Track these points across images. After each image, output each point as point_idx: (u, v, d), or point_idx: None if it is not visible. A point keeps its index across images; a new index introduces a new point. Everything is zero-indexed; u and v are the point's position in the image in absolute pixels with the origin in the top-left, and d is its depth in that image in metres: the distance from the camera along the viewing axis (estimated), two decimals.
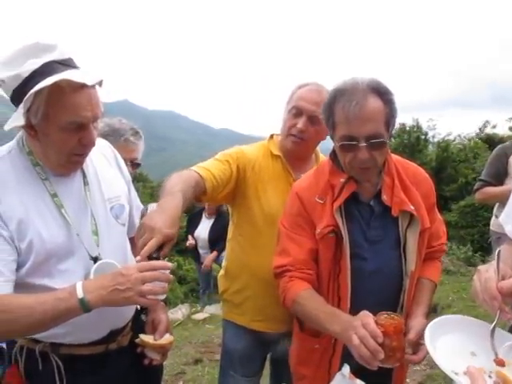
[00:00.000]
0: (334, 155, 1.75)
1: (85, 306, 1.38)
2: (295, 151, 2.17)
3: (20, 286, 1.46)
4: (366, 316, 1.44)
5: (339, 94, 1.60)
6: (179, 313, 6.88)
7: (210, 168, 2.00)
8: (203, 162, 2.07)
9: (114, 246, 1.68)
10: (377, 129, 1.57)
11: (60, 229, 1.52)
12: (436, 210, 1.85)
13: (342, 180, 1.69)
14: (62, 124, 1.41)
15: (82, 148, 1.50)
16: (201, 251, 7.34)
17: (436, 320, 1.41)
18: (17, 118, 1.40)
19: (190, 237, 7.32)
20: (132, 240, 1.87)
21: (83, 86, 1.39)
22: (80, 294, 1.38)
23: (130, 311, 1.77)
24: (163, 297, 1.47)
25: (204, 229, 7.18)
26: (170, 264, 1.47)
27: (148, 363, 1.72)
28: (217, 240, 7.05)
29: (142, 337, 1.71)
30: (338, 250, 1.67)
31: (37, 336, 1.57)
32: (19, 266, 1.47)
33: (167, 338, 1.73)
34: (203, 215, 7.30)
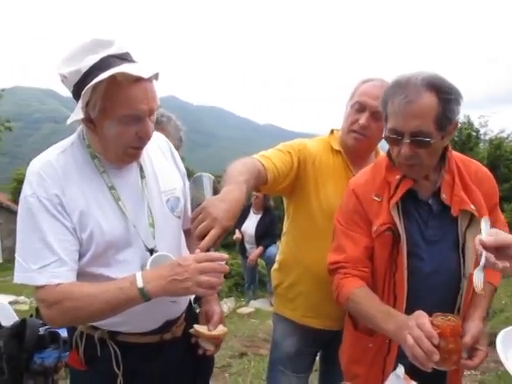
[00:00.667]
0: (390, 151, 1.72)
1: (145, 296, 1.42)
2: (356, 148, 2.13)
3: (80, 275, 1.52)
4: (421, 316, 1.41)
5: (393, 87, 1.58)
6: (225, 306, 6.97)
7: (272, 158, 1.99)
8: (265, 151, 2.06)
9: (170, 238, 1.70)
10: (424, 126, 1.52)
11: (118, 221, 1.56)
12: (498, 210, 1.79)
13: (398, 177, 1.66)
14: (119, 117, 1.44)
15: (139, 141, 1.52)
16: (247, 246, 7.40)
17: (507, 329, 1.37)
18: (77, 113, 1.45)
19: (237, 231, 7.38)
20: (186, 232, 1.90)
21: (139, 79, 1.41)
22: (140, 283, 1.42)
23: (184, 302, 1.79)
24: (219, 287, 1.50)
25: (251, 224, 7.24)
26: (226, 256, 1.49)
27: (202, 353, 1.74)
28: (263, 235, 7.09)
29: (197, 327, 1.73)
30: (395, 248, 1.64)
31: (96, 323, 1.62)
32: (80, 256, 1.53)
33: (221, 329, 1.75)
34: (250, 210, 7.35)
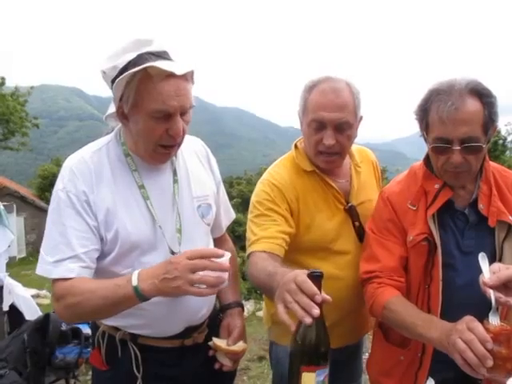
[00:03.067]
0: (427, 160, 1.68)
1: (139, 294, 1.36)
2: (331, 168, 1.89)
3: (105, 274, 1.53)
4: (471, 320, 1.33)
5: (434, 95, 1.54)
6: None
7: (274, 235, 1.70)
8: (260, 230, 1.73)
9: (197, 245, 1.66)
10: (473, 132, 1.49)
11: (145, 221, 1.55)
12: None
13: (437, 186, 1.62)
14: (149, 112, 1.44)
15: (169, 139, 1.50)
16: None
17: None
18: (112, 107, 1.49)
19: None
20: (216, 241, 1.88)
21: (171, 75, 1.41)
22: (134, 281, 1.37)
23: (206, 309, 1.73)
24: (223, 285, 1.39)
25: None
26: (221, 251, 1.39)
27: (218, 368, 1.67)
28: None
29: (215, 340, 1.67)
30: (430, 258, 1.60)
31: (117, 324, 1.62)
32: (105, 255, 1.54)
33: (240, 345, 1.68)
34: None
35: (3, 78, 19.39)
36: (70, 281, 1.45)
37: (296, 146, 1.97)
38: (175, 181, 1.64)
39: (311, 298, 1.08)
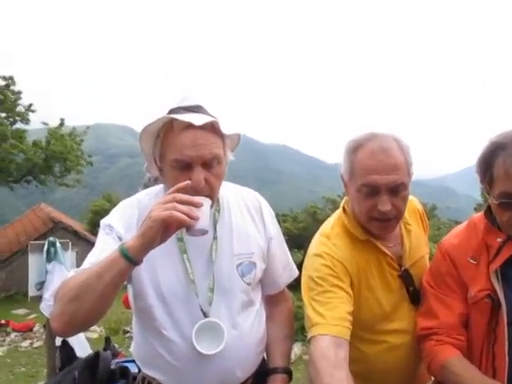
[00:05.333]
0: (489, 212, 1.62)
1: (124, 252, 1.29)
2: (387, 233, 1.72)
3: (146, 317, 1.58)
4: None
5: (499, 148, 1.48)
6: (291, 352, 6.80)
7: (343, 316, 1.57)
8: (326, 309, 1.57)
9: (231, 305, 1.61)
10: None
11: (177, 275, 1.55)
12: None
13: (500, 240, 1.56)
14: (170, 162, 1.49)
15: (191, 191, 1.44)
16: None
17: None
18: (148, 160, 1.59)
19: None
20: (272, 298, 1.83)
21: (190, 126, 1.44)
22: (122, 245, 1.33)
23: (241, 371, 1.64)
24: (200, 225, 1.32)
25: None
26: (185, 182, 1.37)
27: None
28: None
29: None
30: (494, 316, 1.53)
31: (151, 375, 1.62)
32: (136, 296, 1.58)
33: None
34: None
35: (62, 119, 20.48)
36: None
37: (344, 209, 1.80)
38: (215, 238, 1.61)
39: None
